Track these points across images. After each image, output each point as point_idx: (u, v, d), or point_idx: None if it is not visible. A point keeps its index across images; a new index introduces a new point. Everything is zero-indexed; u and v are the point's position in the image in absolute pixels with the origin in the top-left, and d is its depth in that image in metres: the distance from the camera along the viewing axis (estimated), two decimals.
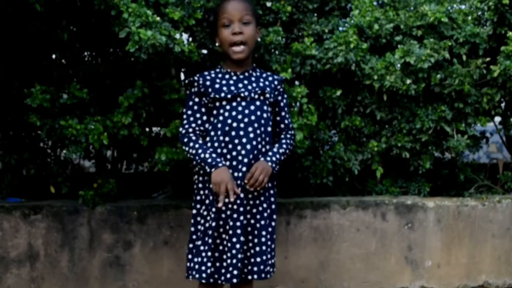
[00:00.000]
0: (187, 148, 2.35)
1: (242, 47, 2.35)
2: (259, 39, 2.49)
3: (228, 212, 2.28)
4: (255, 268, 2.34)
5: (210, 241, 2.28)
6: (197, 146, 2.32)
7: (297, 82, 3.09)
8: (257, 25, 2.46)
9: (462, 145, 3.07)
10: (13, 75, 2.87)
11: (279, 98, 2.48)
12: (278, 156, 2.38)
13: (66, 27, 2.71)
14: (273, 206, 2.41)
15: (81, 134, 2.57)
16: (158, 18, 2.39)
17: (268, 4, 3.00)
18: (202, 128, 2.37)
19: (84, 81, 2.86)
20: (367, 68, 2.99)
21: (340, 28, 3.13)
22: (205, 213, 2.34)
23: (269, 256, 2.38)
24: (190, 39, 2.83)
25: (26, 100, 2.58)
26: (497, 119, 3.48)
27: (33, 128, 2.84)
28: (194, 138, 2.34)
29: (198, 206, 2.37)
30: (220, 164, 2.25)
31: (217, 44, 2.46)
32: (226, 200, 2.24)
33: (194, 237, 2.36)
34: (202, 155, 2.28)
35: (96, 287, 2.84)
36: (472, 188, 3.30)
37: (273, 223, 2.40)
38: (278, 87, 2.48)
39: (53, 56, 2.97)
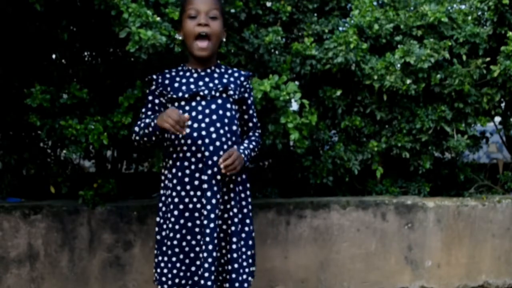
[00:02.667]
0: (134, 135, 2.25)
1: (206, 43, 2.23)
2: (224, 39, 2.37)
3: (197, 221, 2.20)
4: (233, 276, 2.23)
5: (176, 250, 2.20)
6: (141, 123, 2.23)
7: (297, 82, 3.09)
8: (224, 25, 2.35)
9: (462, 145, 3.07)
10: (13, 75, 2.87)
11: (246, 95, 2.35)
12: (248, 151, 2.27)
13: (66, 27, 2.71)
14: (245, 211, 2.30)
15: (81, 134, 2.57)
16: (158, 18, 2.38)
17: (268, 4, 3.00)
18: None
19: (84, 81, 2.86)
20: (367, 68, 2.99)
21: (340, 28, 3.14)
22: (165, 221, 2.26)
23: (244, 264, 2.28)
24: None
25: (26, 100, 2.58)
26: (497, 119, 3.48)
27: (33, 128, 2.84)
28: (138, 122, 2.26)
29: (160, 214, 2.29)
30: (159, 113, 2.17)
31: (179, 38, 2.34)
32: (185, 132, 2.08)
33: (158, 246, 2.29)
34: (144, 123, 2.20)
35: (96, 287, 2.84)
36: (472, 188, 3.31)
37: (246, 228, 2.30)
38: (244, 83, 2.34)
39: (53, 56, 2.97)
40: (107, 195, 2.83)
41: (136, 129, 2.25)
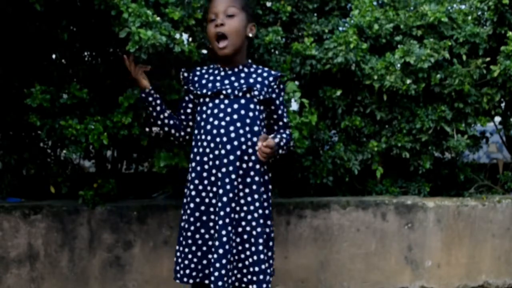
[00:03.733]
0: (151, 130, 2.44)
1: (225, 42, 2.25)
2: (250, 35, 2.35)
3: (212, 216, 2.23)
4: (254, 278, 2.25)
5: (190, 241, 2.25)
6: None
7: (297, 82, 3.09)
8: (250, 20, 2.35)
9: (462, 145, 3.07)
10: (13, 75, 2.87)
11: (274, 95, 2.34)
12: (282, 143, 2.30)
13: (66, 27, 2.71)
14: (267, 212, 2.31)
15: (81, 134, 2.57)
16: (158, 18, 2.38)
17: (268, 4, 3.00)
18: (183, 119, 2.39)
19: (84, 81, 2.86)
20: (367, 68, 2.99)
21: (340, 28, 3.14)
22: (185, 213, 2.31)
23: (266, 265, 2.28)
24: (190, 39, 2.83)
25: (26, 100, 2.58)
26: (497, 119, 3.48)
27: (33, 128, 2.84)
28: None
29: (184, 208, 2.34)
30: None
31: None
32: None
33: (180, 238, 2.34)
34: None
35: (96, 287, 2.84)
36: (472, 188, 3.31)
37: (267, 229, 2.30)
38: (272, 83, 2.33)
39: (53, 56, 2.96)
40: (107, 195, 2.83)
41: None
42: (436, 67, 3.02)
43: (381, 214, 3.02)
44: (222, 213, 2.19)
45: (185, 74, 2.36)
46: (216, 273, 2.17)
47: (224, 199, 2.20)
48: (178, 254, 2.30)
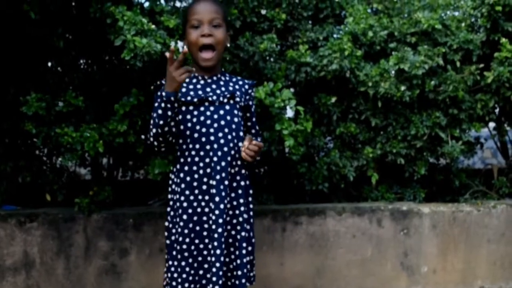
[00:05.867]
0: (150, 133, 2.15)
1: (211, 54, 2.24)
2: (228, 45, 2.36)
3: (206, 225, 2.21)
4: (237, 282, 2.25)
5: (186, 254, 2.22)
6: (151, 121, 2.16)
7: (292, 90, 3.10)
8: (228, 30, 2.35)
9: (457, 151, 3.08)
10: (9, 83, 2.88)
11: (250, 103, 2.37)
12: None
13: (62, 34, 2.72)
14: (246, 216, 2.29)
15: (76, 142, 2.57)
16: (153, 26, 2.39)
17: (263, 11, 3.01)
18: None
19: (80, 89, 2.86)
20: (361, 75, 3.01)
21: (335, 36, 3.15)
22: (174, 226, 2.26)
23: (246, 269, 2.28)
24: (185, 47, 2.83)
25: (22, 108, 2.58)
26: (491, 124, 3.50)
27: (29, 135, 2.84)
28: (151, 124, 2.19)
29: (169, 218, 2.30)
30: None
31: (186, 48, 2.27)
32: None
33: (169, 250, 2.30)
34: (155, 112, 2.11)
35: None
36: (467, 194, 3.31)
37: (246, 234, 2.29)
38: (249, 91, 2.36)
39: (49, 64, 2.97)
40: (103, 202, 2.83)
41: (151, 123, 2.16)
42: (430, 73, 3.04)
43: (376, 220, 3.03)
44: (220, 220, 2.19)
45: (164, 82, 2.24)
46: (214, 279, 2.17)
47: (221, 206, 2.19)
48: (173, 269, 2.25)
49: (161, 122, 2.11)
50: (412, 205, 3.09)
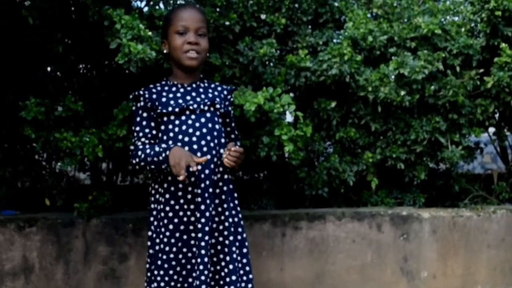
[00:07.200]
0: (137, 160, 2.21)
1: (196, 54, 2.26)
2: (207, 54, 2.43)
3: (193, 234, 2.21)
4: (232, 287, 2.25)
5: (173, 263, 2.21)
6: (146, 148, 2.20)
7: (291, 94, 3.10)
8: (209, 38, 2.38)
9: (457, 155, 3.08)
10: (8, 88, 2.88)
11: (229, 108, 2.40)
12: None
13: (61, 39, 2.72)
14: (236, 219, 2.32)
15: (76, 147, 2.57)
16: (150, 33, 2.38)
17: (263, 16, 3.01)
18: (152, 142, 2.26)
19: (79, 94, 2.87)
20: (361, 79, 3.00)
21: (334, 40, 3.15)
22: (158, 235, 2.25)
23: (241, 272, 2.30)
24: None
25: (21, 113, 2.58)
26: (491, 129, 3.49)
27: (28, 140, 2.84)
28: (141, 147, 2.23)
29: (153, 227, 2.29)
30: (172, 146, 2.13)
31: (164, 51, 2.34)
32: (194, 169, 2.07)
33: (151, 260, 2.29)
34: (154, 151, 2.16)
35: None
36: (467, 199, 3.31)
37: (239, 237, 2.32)
38: (228, 97, 2.39)
39: (48, 69, 2.97)
40: (102, 207, 2.83)
41: (141, 154, 2.20)
42: (430, 78, 3.04)
43: (376, 225, 3.02)
44: (206, 228, 2.19)
45: (141, 92, 2.27)
46: (203, 287, 2.18)
47: (207, 214, 2.20)
48: (159, 278, 2.22)
49: (152, 167, 2.19)
50: (412, 210, 3.09)
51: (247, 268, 2.34)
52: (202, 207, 2.19)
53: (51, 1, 2.55)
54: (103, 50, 2.69)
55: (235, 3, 2.93)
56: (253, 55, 2.88)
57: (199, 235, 2.18)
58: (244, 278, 2.31)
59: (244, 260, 2.33)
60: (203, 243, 2.18)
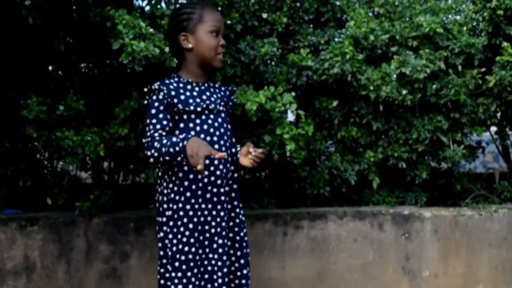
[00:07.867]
0: (152, 151, 2.06)
1: (223, 58, 2.31)
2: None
3: (207, 234, 2.20)
4: (243, 281, 2.31)
5: (191, 264, 2.18)
6: (163, 139, 2.07)
7: (293, 93, 3.10)
8: None
9: (458, 155, 3.08)
10: (10, 87, 2.88)
11: (232, 109, 2.44)
12: None
13: (63, 38, 2.72)
14: (243, 218, 2.37)
15: (77, 146, 2.57)
16: (151, 30, 2.38)
17: (264, 15, 3.01)
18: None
19: (81, 93, 2.87)
20: (363, 78, 3.00)
21: (336, 39, 3.15)
22: (175, 236, 2.20)
23: (247, 269, 2.35)
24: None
25: (22, 112, 2.58)
26: (493, 128, 3.49)
27: (29, 139, 2.84)
28: (158, 138, 2.10)
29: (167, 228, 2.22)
30: (189, 136, 2.03)
31: (190, 46, 2.23)
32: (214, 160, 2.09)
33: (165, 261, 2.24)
34: (170, 141, 2.03)
35: None
36: (469, 198, 3.30)
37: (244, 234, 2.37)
38: (232, 97, 2.40)
39: (50, 68, 2.97)
40: (104, 206, 2.83)
41: (157, 145, 2.08)
42: (431, 77, 3.04)
43: (378, 224, 3.02)
44: (223, 225, 2.22)
45: (161, 87, 2.17)
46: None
47: (222, 213, 2.22)
48: (177, 280, 2.16)
49: (167, 158, 2.06)
50: (414, 209, 3.09)
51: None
52: (219, 206, 2.21)
53: (52, 0, 2.55)
54: (105, 49, 2.69)
55: (237, 2, 2.93)
56: (255, 54, 2.88)
57: (215, 237, 2.20)
58: (249, 275, 2.36)
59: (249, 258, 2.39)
60: (221, 241, 2.21)
